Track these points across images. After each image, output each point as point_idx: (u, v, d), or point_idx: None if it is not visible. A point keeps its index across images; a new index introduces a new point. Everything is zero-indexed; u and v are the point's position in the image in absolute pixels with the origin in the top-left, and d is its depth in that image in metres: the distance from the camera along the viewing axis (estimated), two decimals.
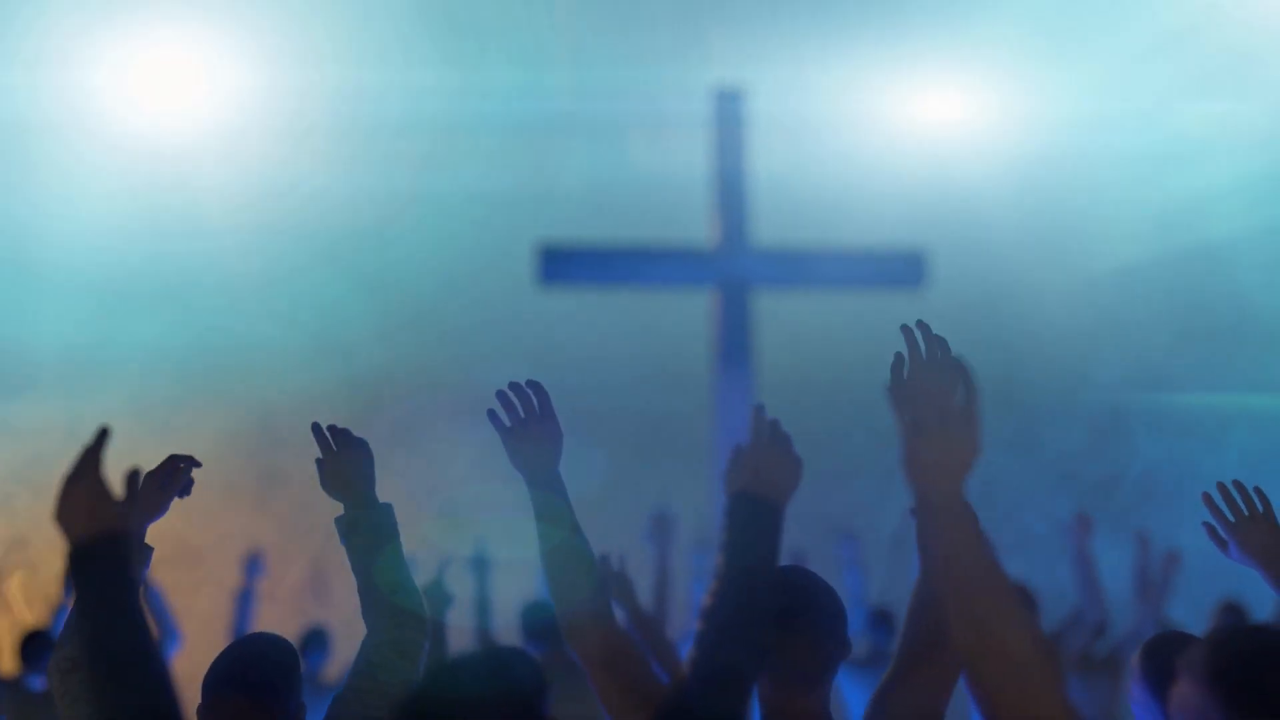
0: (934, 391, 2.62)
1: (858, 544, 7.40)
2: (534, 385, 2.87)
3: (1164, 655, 2.72)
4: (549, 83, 9.88)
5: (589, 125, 10.01)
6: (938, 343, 2.71)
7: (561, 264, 8.44)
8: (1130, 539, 7.20)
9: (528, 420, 2.85)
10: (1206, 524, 3.05)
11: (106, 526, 2.27)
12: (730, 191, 8.56)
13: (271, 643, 2.85)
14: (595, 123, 9.99)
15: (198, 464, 3.02)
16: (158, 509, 2.97)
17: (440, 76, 9.65)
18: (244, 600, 7.09)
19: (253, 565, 7.15)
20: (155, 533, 2.98)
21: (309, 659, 6.66)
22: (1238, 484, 3.06)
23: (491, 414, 2.88)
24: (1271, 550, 2.97)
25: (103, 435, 2.37)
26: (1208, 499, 3.04)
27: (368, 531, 2.96)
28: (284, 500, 9.56)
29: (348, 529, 2.98)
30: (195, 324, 9.82)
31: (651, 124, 9.83)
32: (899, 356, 2.70)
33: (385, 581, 2.92)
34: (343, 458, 3.02)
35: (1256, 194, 9.99)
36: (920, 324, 2.76)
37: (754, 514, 2.37)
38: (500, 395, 2.88)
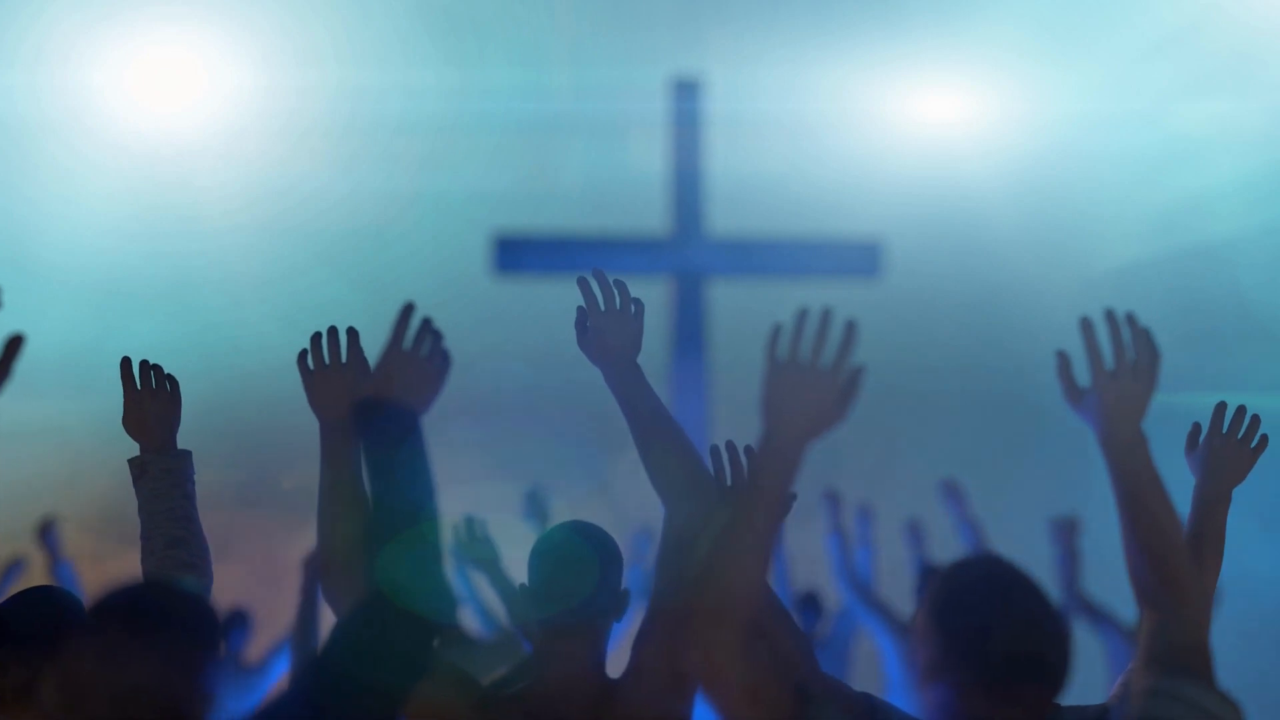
0: (619, 338, 2.72)
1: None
2: (350, 331, 2.87)
3: None
4: (547, 81, 9.87)
5: (581, 122, 10.01)
6: (617, 289, 2.83)
7: (516, 253, 8.41)
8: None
9: (332, 364, 2.86)
10: (1061, 354, 2.38)
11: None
12: (686, 181, 8.54)
13: (39, 596, 2.80)
14: (587, 120, 9.98)
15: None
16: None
17: (440, 76, 9.65)
18: None
19: None
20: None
21: (230, 639, 6.80)
22: (1131, 319, 2.34)
23: (301, 356, 2.88)
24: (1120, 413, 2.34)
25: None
26: (1087, 326, 2.34)
27: (159, 476, 2.90)
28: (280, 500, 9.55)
29: (139, 472, 2.91)
30: (195, 324, 9.80)
31: (635, 120, 9.82)
32: (580, 310, 2.82)
33: (166, 532, 2.85)
34: (149, 399, 2.98)
35: (1256, 194, 9.98)
36: (596, 273, 2.82)
37: (386, 423, 2.24)
38: (313, 338, 2.89)
